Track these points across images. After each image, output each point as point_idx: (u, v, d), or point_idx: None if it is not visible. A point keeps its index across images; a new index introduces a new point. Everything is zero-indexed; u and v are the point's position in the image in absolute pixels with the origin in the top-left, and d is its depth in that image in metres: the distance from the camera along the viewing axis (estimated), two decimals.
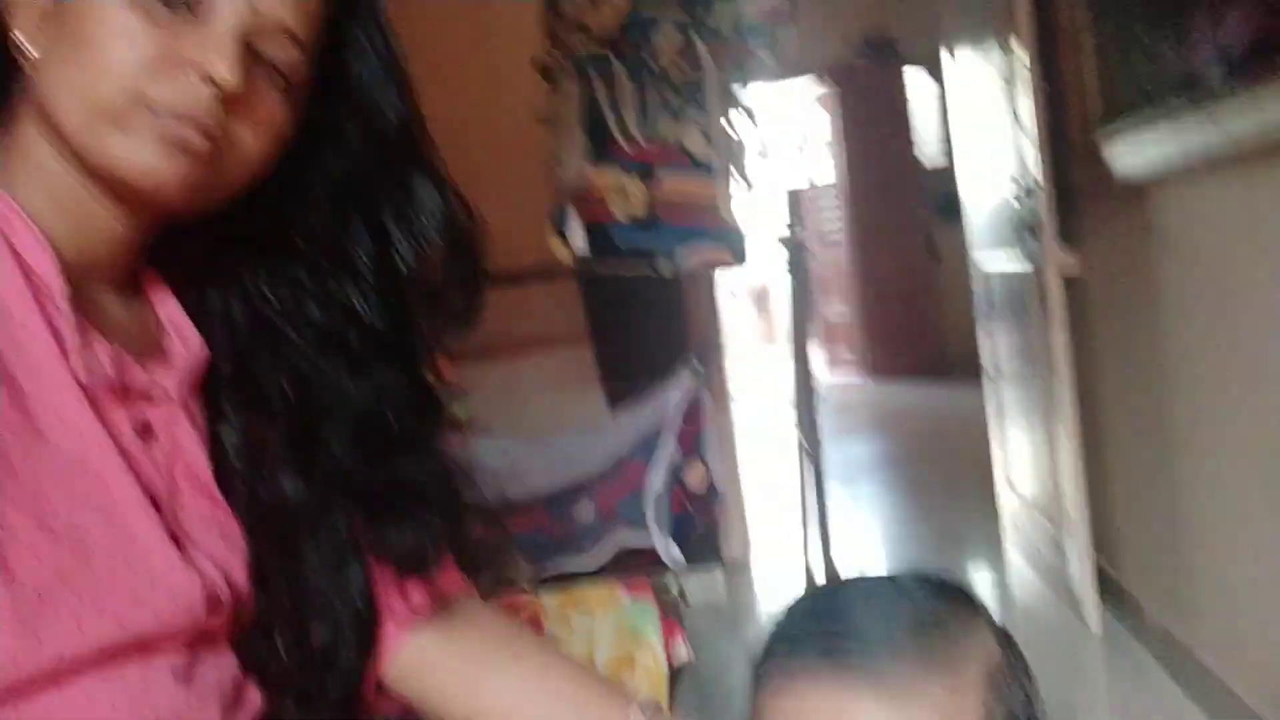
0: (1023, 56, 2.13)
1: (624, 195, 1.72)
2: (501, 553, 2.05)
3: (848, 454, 4.53)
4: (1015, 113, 2.26)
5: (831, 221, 6.58)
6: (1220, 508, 1.78)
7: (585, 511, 2.07)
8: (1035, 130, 2.13)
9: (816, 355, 6.95)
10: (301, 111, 0.65)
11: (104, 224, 0.63)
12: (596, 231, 1.77)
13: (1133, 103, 1.74)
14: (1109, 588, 2.36)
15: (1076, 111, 2.09)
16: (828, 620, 0.52)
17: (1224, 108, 1.37)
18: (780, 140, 6.81)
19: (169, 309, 0.68)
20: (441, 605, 0.75)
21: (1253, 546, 1.65)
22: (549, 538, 2.06)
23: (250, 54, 0.60)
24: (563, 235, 1.71)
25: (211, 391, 0.68)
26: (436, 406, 0.74)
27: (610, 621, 1.01)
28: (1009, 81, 2.25)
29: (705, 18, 1.68)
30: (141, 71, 0.58)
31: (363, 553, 0.70)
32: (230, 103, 0.59)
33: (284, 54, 0.62)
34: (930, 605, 0.51)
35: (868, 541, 3.29)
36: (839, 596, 0.56)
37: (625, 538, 2.02)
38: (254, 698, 0.66)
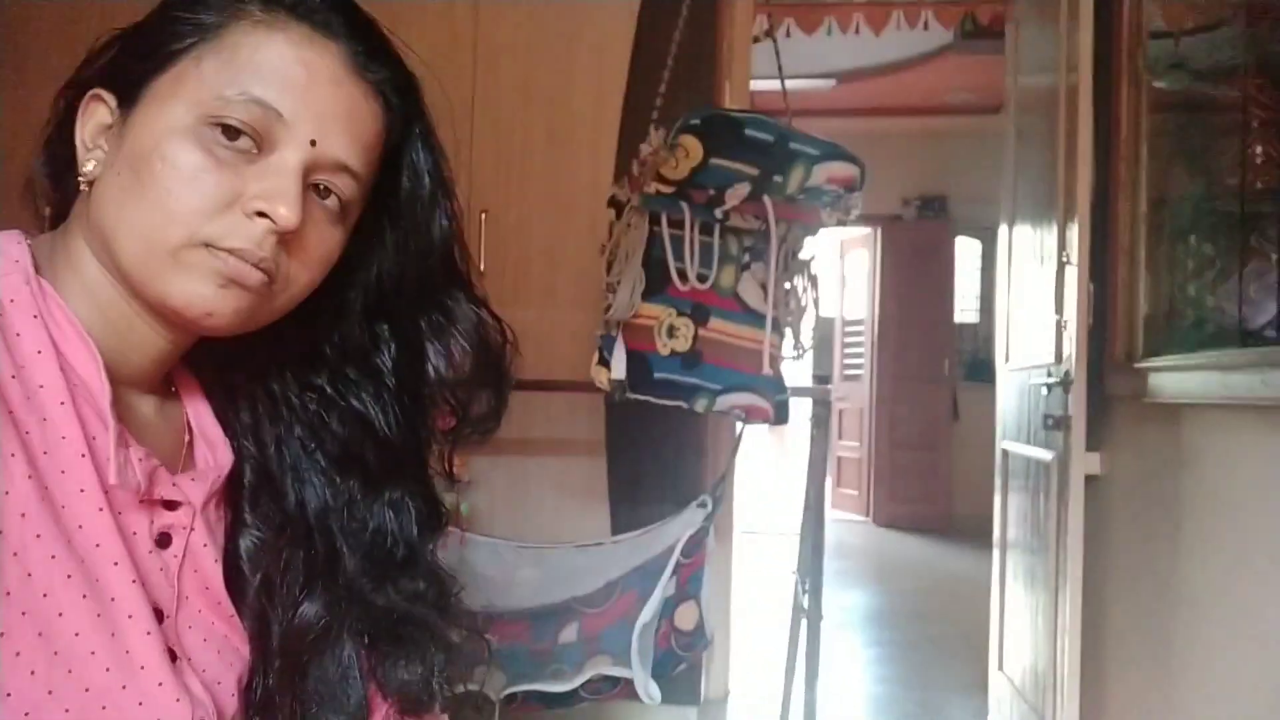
0: (1075, 255, 2.16)
1: (672, 332, 1.73)
2: (480, 661, 2.01)
3: (842, 599, 4.44)
4: (1060, 304, 2.28)
5: (856, 357, 6.60)
6: None
7: (569, 633, 2.02)
8: (1077, 329, 2.14)
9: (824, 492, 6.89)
10: (350, 230, 0.66)
11: (144, 336, 0.63)
12: (636, 359, 1.77)
13: (1179, 329, 1.75)
14: None
15: (1122, 321, 2.11)
16: None
17: (1272, 361, 1.37)
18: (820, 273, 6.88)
19: (200, 414, 0.68)
20: None
21: None
22: (527, 652, 2.01)
23: (308, 188, 0.61)
24: (606, 365, 1.72)
25: (234, 501, 0.68)
26: (440, 516, 0.74)
27: None
28: (1059, 273, 2.28)
29: (776, 178, 1.71)
30: (204, 215, 0.58)
31: (367, 683, 0.69)
32: (287, 238, 0.60)
33: (341, 186, 0.63)
34: None
35: (850, 698, 3.19)
36: None
37: (604, 666, 1.97)
38: None
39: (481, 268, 2.54)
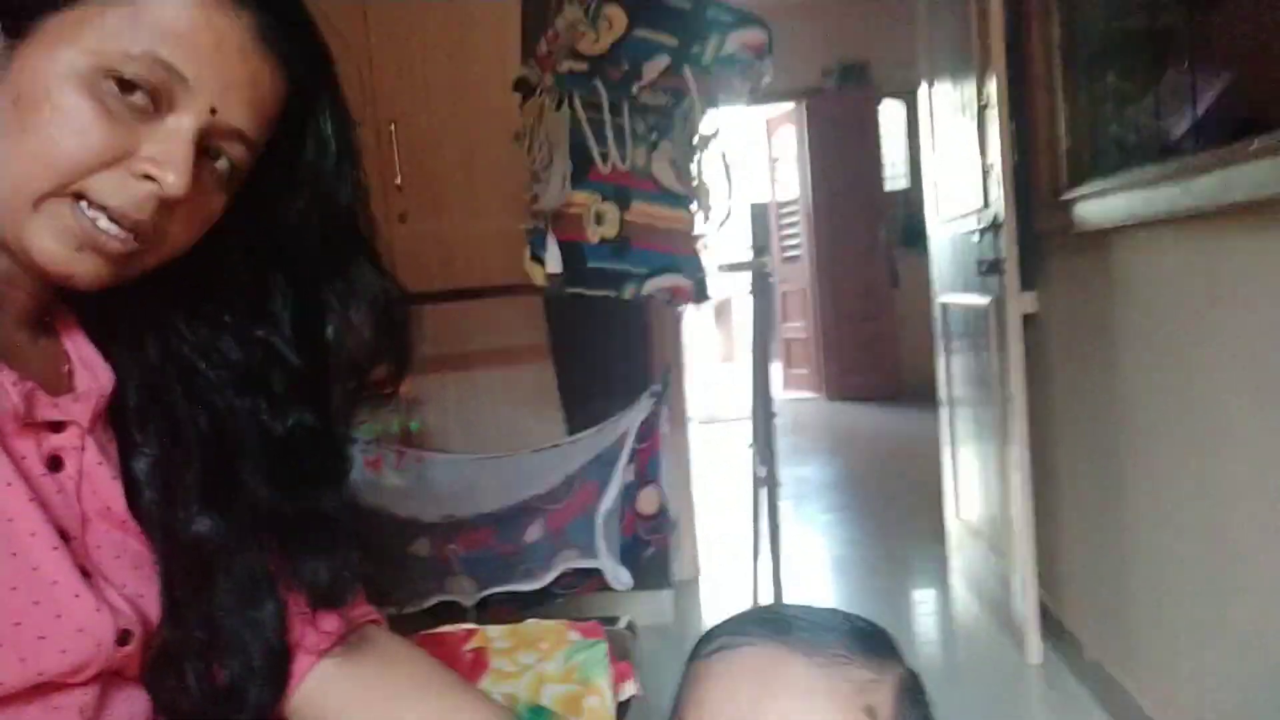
0: (994, 97, 2.15)
1: (600, 218, 1.70)
2: (449, 575, 2.01)
3: (799, 473, 4.55)
4: (984, 150, 2.28)
5: (793, 238, 6.62)
6: (1162, 550, 1.80)
7: (534, 531, 2.04)
8: (1002, 170, 2.15)
9: (773, 373, 7.00)
10: (237, 192, 0.64)
11: (14, 274, 0.61)
12: (568, 250, 1.75)
13: (1101, 155, 1.76)
14: (1049, 622, 2.39)
15: (1045, 156, 2.11)
16: (767, 613, 0.60)
17: (1190, 169, 1.39)
18: (745, 155, 6.83)
19: (78, 343, 0.67)
20: (351, 635, 0.75)
21: (1191, 591, 1.68)
22: (496, 556, 2.02)
23: (199, 151, 0.59)
24: (539, 260, 1.69)
25: (123, 422, 0.67)
26: (346, 457, 0.75)
27: (558, 662, 0.98)
28: (980, 120, 2.27)
29: (694, 47, 1.67)
30: (86, 168, 0.56)
31: (278, 588, 0.69)
32: (170, 200, 0.58)
33: (234, 153, 0.61)
34: (858, 623, 0.57)
35: (815, 563, 3.30)
36: (778, 607, 0.61)
37: (573, 559, 2.00)
38: None
39: (398, 182, 2.46)
